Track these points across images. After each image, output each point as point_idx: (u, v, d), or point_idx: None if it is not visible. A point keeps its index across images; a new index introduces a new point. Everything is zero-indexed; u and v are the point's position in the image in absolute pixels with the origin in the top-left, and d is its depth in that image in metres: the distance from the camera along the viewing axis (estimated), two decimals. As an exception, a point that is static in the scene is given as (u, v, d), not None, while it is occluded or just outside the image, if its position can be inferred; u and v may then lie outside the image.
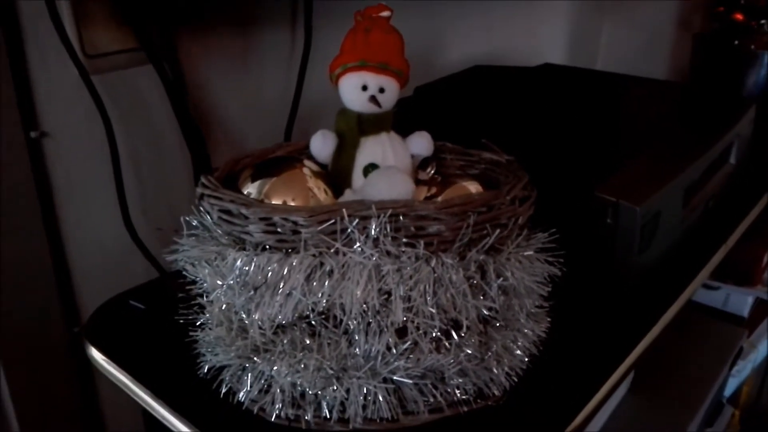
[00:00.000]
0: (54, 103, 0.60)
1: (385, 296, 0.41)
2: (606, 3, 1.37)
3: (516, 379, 0.48)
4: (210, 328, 0.48)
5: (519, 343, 0.48)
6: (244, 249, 0.43)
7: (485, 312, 0.44)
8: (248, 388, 0.45)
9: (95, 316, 0.60)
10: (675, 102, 0.85)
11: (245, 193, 0.46)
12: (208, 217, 0.46)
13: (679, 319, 0.61)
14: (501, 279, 0.44)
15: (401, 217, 0.41)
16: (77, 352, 0.66)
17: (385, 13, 0.47)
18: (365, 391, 0.44)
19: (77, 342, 0.66)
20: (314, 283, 0.41)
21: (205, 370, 0.48)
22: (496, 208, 0.43)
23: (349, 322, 0.42)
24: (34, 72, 0.58)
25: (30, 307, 0.62)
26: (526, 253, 0.46)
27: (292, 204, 0.45)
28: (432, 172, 0.50)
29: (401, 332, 0.43)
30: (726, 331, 0.98)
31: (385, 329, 0.42)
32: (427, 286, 0.41)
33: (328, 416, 0.45)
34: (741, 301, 1.05)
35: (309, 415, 0.45)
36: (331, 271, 0.41)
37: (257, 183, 0.46)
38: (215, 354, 0.47)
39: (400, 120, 0.51)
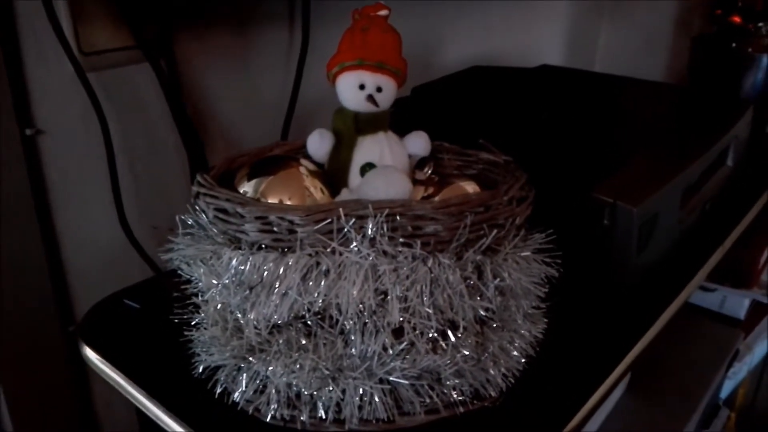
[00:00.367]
0: (50, 100, 0.60)
1: (382, 296, 0.41)
2: (604, 5, 1.37)
3: (512, 380, 0.48)
4: (205, 328, 0.47)
5: (516, 344, 0.48)
6: (240, 248, 0.43)
7: (482, 313, 0.44)
8: (243, 389, 0.45)
9: (90, 316, 0.60)
10: (673, 104, 0.85)
11: (241, 192, 0.46)
12: (204, 216, 0.45)
13: (675, 321, 0.61)
14: (498, 279, 0.43)
15: (398, 217, 0.40)
16: (72, 351, 0.66)
17: (383, 12, 0.47)
18: (361, 392, 0.43)
19: (72, 341, 0.66)
20: (310, 283, 0.41)
21: (200, 370, 0.48)
22: (494, 208, 0.43)
23: (345, 323, 0.42)
24: (29, 69, 0.58)
25: (25, 306, 0.61)
26: (523, 254, 0.45)
27: (289, 203, 0.45)
28: (429, 171, 0.50)
29: (397, 333, 0.43)
30: (722, 333, 0.98)
31: (382, 329, 0.42)
32: (423, 287, 0.41)
33: (324, 417, 0.44)
34: (737, 303, 1.05)
35: (304, 416, 0.44)
36: (328, 271, 0.40)
37: (253, 182, 0.46)
38: (210, 354, 0.46)
39: (397, 120, 0.51)
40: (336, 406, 0.44)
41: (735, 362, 1.00)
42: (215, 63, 0.71)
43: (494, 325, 0.47)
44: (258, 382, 0.45)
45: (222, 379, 0.47)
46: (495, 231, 0.43)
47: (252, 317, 0.42)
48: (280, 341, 0.43)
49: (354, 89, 0.48)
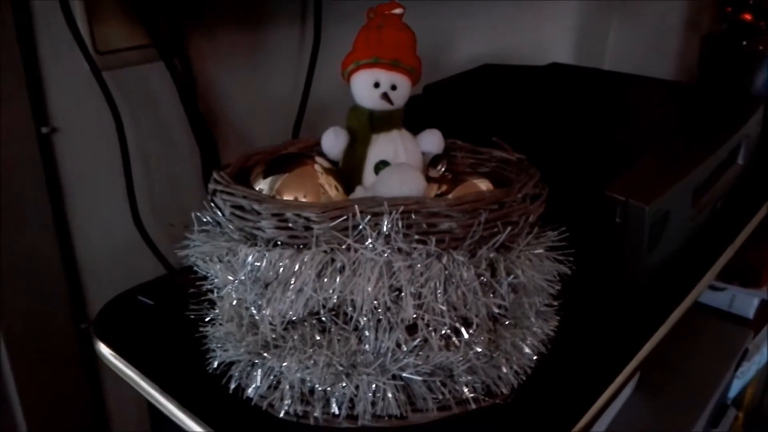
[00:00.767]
0: (65, 99, 0.60)
1: (396, 293, 0.41)
2: (614, 3, 1.37)
3: (524, 378, 0.48)
4: (220, 324, 0.48)
5: (528, 342, 0.48)
6: (256, 245, 0.43)
7: (495, 310, 0.44)
8: (257, 384, 0.46)
9: (104, 312, 0.60)
10: (683, 102, 0.84)
11: (257, 189, 0.46)
12: (220, 213, 0.46)
13: (684, 320, 0.61)
14: (511, 277, 0.44)
15: (413, 214, 0.41)
16: (84, 348, 0.66)
17: (398, 11, 0.47)
18: (374, 388, 0.44)
19: (84, 338, 0.66)
20: (325, 280, 0.41)
21: (215, 366, 0.48)
22: (508, 205, 0.43)
23: (360, 319, 0.42)
24: (45, 68, 0.58)
25: (38, 303, 0.62)
26: (536, 251, 0.46)
27: (304, 200, 0.45)
28: (443, 169, 0.50)
29: (411, 329, 0.43)
30: (731, 333, 0.98)
31: (396, 326, 0.42)
32: (437, 283, 0.41)
33: (337, 413, 0.45)
34: (746, 302, 1.04)
35: (318, 412, 0.45)
36: (343, 268, 0.41)
37: (269, 179, 0.46)
38: (225, 350, 0.47)
39: (409, 118, 0.52)
40: (349, 402, 0.44)
41: (744, 362, 1.00)
42: (228, 62, 0.72)
43: (507, 323, 0.47)
44: (272, 377, 0.45)
45: (236, 374, 0.47)
46: (509, 228, 0.43)
47: (267, 313, 0.43)
48: (295, 337, 0.44)
49: (369, 87, 0.48)
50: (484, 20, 1.06)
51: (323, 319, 0.43)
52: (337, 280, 0.41)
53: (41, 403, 0.64)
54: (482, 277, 0.43)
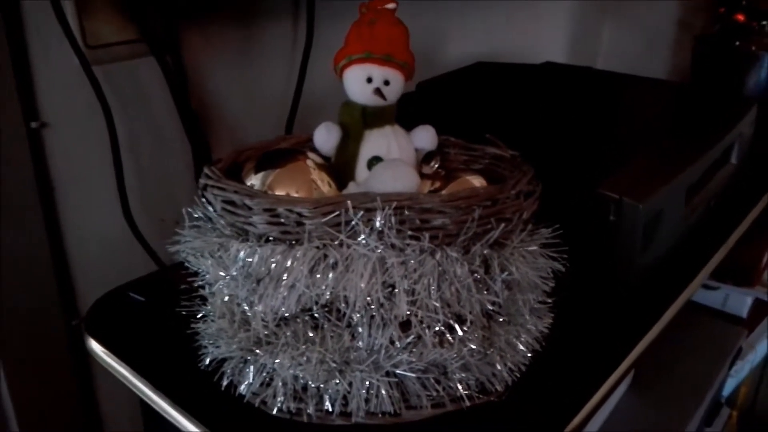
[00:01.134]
0: (55, 93, 0.60)
1: (389, 289, 0.41)
2: (607, 3, 1.37)
3: (518, 375, 0.48)
4: (212, 320, 0.47)
5: (522, 339, 0.48)
6: (247, 240, 0.43)
7: (489, 306, 0.44)
8: (250, 381, 0.45)
9: (95, 309, 0.60)
10: (676, 101, 0.85)
11: (248, 184, 0.46)
12: (211, 209, 0.45)
13: (678, 319, 0.61)
14: (505, 273, 0.43)
15: (406, 210, 0.40)
16: (75, 344, 0.66)
17: (391, 5, 0.47)
18: (368, 385, 0.43)
19: (75, 335, 0.66)
20: (318, 276, 0.41)
21: (207, 362, 0.47)
22: (501, 202, 0.43)
23: (353, 315, 0.42)
24: (35, 62, 0.58)
25: (29, 299, 0.61)
26: (530, 248, 0.45)
27: (296, 196, 0.45)
28: (436, 165, 0.50)
29: (405, 326, 0.43)
30: (725, 331, 0.98)
31: (389, 323, 0.42)
32: (431, 280, 0.41)
33: (330, 410, 0.44)
34: (740, 301, 1.05)
35: (311, 409, 0.44)
36: (335, 264, 0.40)
37: (260, 175, 0.46)
38: (217, 346, 0.46)
39: (402, 115, 0.51)
40: (342, 399, 0.44)
41: (737, 360, 1.00)
42: (220, 57, 0.71)
43: (501, 320, 0.47)
44: (264, 374, 0.45)
45: (228, 371, 0.47)
46: (503, 225, 0.43)
47: (259, 309, 0.42)
48: (288, 333, 0.43)
49: (361, 82, 0.48)
50: (476, 19, 1.06)
51: (316, 315, 0.43)
52: (330, 276, 0.41)
53: (32, 400, 0.64)
54: (476, 274, 0.42)
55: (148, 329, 0.56)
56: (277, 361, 0.44)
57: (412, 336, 0.43)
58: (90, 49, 0.60)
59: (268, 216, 0.41)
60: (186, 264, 0.47)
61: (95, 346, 0.55)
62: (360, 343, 0.43)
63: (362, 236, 0.40)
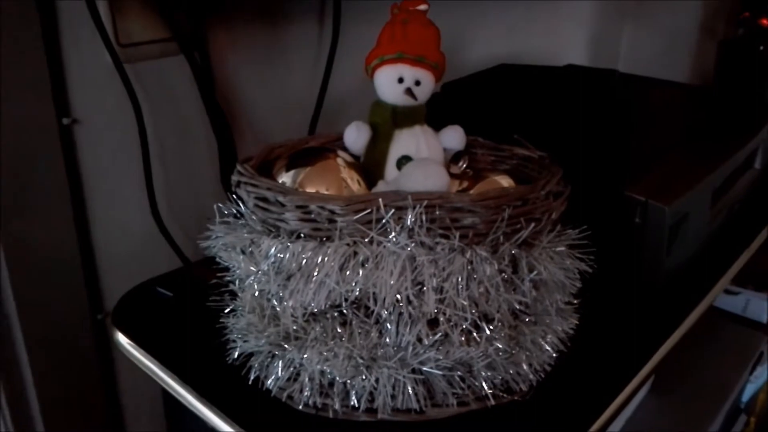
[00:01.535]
0: (86, 91, 0.61)
1: (418, 287, 0.41)
2: (627, 6, 1.36)
3: (542, 375, 0.48)
4: (241, 315, 0.48)
5: (548, 339, 0.48)
6: (279, 236, 0.43)
7: (516, 306, 0.44)
8: (277, 376, 0.46)
9: (122, 303, 0.61)
10: (700, 106, 0.84)
11: (280, 182, 0.46)
12: (242, 205, 0.46)
13: (699, 324, 0.61)
14: (533, 273, 0.44)
15: (437, 209, 0.41)
16: (100, 338, 0.67)
17: (423, 7, 0.48)
18: (394, 382, 0.44)
19: (100, 329, 0.67)
20: (348, 272, 0.41)
21: (235, 357, 0.48)
22: (531, 202, 0.43)
23: (381, 312, 0.42)
24: (68, 61, 0.59)
25: (56, 293, 0.62)
26: (558, 249, 0.46)
27: (326, 193, 0.45)
28: (464, 166, 0.50)
29: (432, 323, 0.43)
30: (746, 336, 0.98)
31: (417, 320, 0.42)
32: (460, 278, 0.41)
33: (357, 406, 0.45)
34: (760, 306, 1.04)
35: (337, 404, 0.45)
36: (365, 261, 0.41)
37: (291, 172, 0.46)
38: (246, 340, 0.47)
39: (429, 115, 0.52)
40: (369, 395, 0.44)
41: (758, 366, 1.00)
42: (247, 57, 0.72)
43: (527, 319, 0.47)
44: (292, 369, 0.46)
45: (256, 366, 0.47)
46: (532, 225, 0.43)
47: (289, 305, 0.43)
48: (316, 329, 0.44)
49: (393, 82, 0.48)
50: (497, 21, 1.06)
51: (345, 311, 0.43)
52: (360, 273, 0.41)
53: (57, 393, 0.65)
54: (504, 273, 0.43)
55: (175, 324, 0.57)
56: (305, 356, 0.44)
57: (440, 334, 0.43)
58: (122, 48, 0.60)
59: (300, 213, 0.42)
60: (217, 259, 0.47)
61: (122, 339, 0.56)
62: (387, 339, 0.43)
63: (393, 234, 0.41)
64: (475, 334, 0.44)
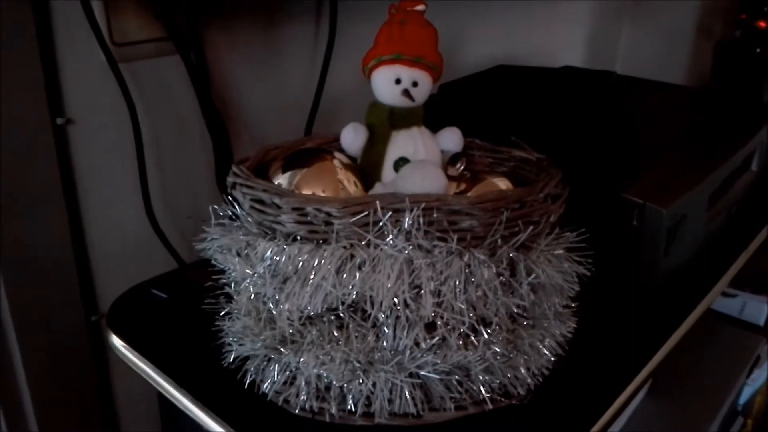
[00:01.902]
0: (81, 90, 0.60)
1: (415, 290, 0.41)
2: (625, 7, 1.37)
3: (540, 379, 0.48)
4: (237, 318, 0.47)
5: (546, 343, 0.47)
6: (275, 239, 0.43)
7: (514, 309, 0.44)
8: (273, 379, 0.45)
9: (117, 304, 0.60)
10: (696, 108, 0.84)
11: (276, 183, 0.46)
12: (238, 207, 0.45)
13: (696, 326, 0.61)
14: (532, 276, 0.43)
15: (434, 212, 0.40)
16: (94, 340, 0.66)
17: (420, 7, 0.47)
18: (391, 386, 0.43)
19: (95, 330, 0.66)
20: (344, 275, 0.41)
21: (230, 360, 0.48)
22: (529, 204, 0.43)
23: (378, 316, 0.42)
24: (62, 60, 0.58)
25: (50, 294, 0.62)
26: (556, 252, 0.45)
27: (323, 195, 0.45)
28: (462, 167, 0.50)
29: (430, 327, 0.43)
30: (743, 339, 0.98)
31: (414, 324, 0.42)
32: (457, 282, 0.41)
33: (353, 410, 0.44)
34: (758, 309, 1.04)
35: (333, 408, 0.45)
36: (362, 264, 0.41)
37: (288, 174, 0.46)
38: (241, 344, 0.47)
39: (426, 116, 0.51)
40: (366, 399, 0.44)
41: (755, 368, 1.00)
42: (243, 57, 0.72)
43: (525, 323, 0.47)
44: (288, 373, 0.45)
45: (252, 369, 0.47)
46: (530, 228, 0.43)
47: (285, 308, 0.42)
48: (313, 332, 0.43)
49: (390, 83, 0.48)
50: (495, 22, 1.06)
51: (341, 315, 0.43)
52: (357, 276, 0.41)
53: (51, 395, 0.64)
54: (502, 277, 0.42)
55: (169, 326, 0.56)
56: (301, 359, 0.44)
57: (437, 337, 0.43)
58: (117, 47, 0.60)
59: (296, 215, 0.41)
60: (212, 261, 0.47)
61: (117, 341, 0.55)
62: (384, 343, 0.43)
63: (390, 237, 0.40)
64: (472, 337, 0.44)
